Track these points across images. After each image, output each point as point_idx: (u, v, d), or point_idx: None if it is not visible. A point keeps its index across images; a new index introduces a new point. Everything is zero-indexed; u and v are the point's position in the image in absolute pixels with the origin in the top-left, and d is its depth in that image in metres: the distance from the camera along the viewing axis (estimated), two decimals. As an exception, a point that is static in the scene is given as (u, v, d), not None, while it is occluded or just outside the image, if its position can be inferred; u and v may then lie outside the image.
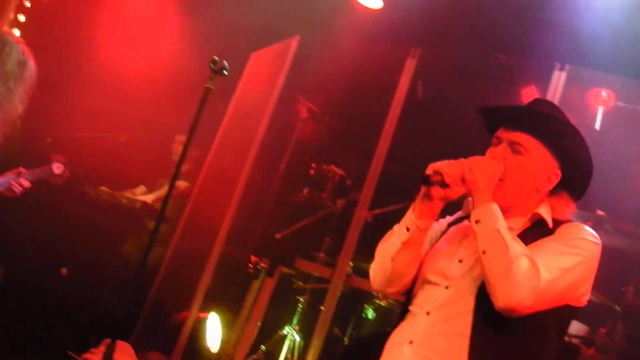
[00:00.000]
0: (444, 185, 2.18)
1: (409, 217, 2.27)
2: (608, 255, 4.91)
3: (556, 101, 4.07)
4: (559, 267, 2.07)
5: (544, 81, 4.51)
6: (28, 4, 6.12)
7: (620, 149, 4.92)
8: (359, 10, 5.54)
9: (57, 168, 4.86)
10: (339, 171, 5.60)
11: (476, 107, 2.39)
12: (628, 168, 5.06)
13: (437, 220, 2.38)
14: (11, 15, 5.90)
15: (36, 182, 4.64)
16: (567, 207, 2.32)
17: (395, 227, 2.33)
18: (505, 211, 2.18)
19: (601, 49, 4.63)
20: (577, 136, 2.25)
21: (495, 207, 2.14)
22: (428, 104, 5.57)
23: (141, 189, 6.44)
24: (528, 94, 5.60)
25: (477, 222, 2.14)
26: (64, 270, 5.80)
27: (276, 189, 6.41)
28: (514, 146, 2.25)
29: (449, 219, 2.49)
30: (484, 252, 2.08)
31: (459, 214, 2.47)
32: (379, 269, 2.37)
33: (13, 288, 5.28)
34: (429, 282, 2.30)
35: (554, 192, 2.30)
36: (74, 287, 5.64)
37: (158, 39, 6.34)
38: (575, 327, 4.62)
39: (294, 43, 5.09)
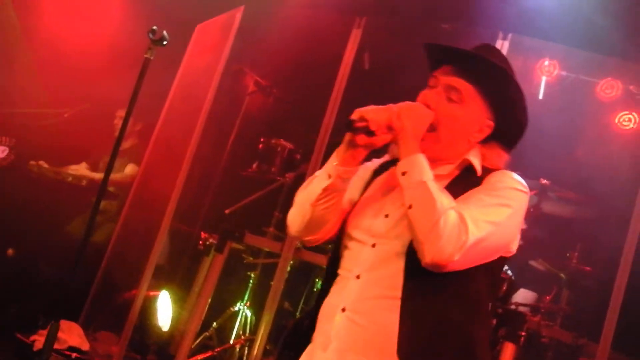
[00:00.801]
0: (369, 132, 2.03)
1: (331, 164, 2.12)
2: (553, 223, 5.08)
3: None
4: (488, 220, 1.97)
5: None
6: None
7: (563, 118, 4.99)
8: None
9: (2, 152, 4.68)
10: (288, 145, 5.56)
11: (425, 44, 2.24)
12: (570, 136, 5.14)
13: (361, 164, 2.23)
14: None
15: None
16: (499, 157, 2.21)
17: (317, 173, 2.20)
18: (434, 160, 2.09)
19: (545, 18, 4.66)
20: (519, 92, 2.16)
21: (422, 158, 2.03)
22: (374, 73, 5.56)
23: (83, 165, 6.32)
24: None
25: (403, 173, 2.02)
26: (10, 251, 5.70)
27: (225, 164, 6.37)
28: (450, 92, 2.13)
29: (374, 162, 2.35)
30: (410, 207, 1.97)
31: (385, 157, 2.34)
32: (297, 215, 2.22)
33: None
34: (354, 240, 2.16)
35: (485, 141, 2.19)
36: (21, 267, 5.55)
37: (99, 10, 6.20)
38: (522, 295, 4.71)
39: (238, 14, 5.02)
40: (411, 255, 1.98)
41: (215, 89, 5.16)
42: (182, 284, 5.89)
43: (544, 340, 4.32)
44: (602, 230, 4.71)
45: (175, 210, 5.17)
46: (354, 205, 2.24)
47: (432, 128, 2.10)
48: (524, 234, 5.10)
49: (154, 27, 3.36)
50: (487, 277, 2.08)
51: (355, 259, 2.12)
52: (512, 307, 4.40)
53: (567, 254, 4.68)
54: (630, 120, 5.41)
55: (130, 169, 6.11)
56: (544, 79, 5.32)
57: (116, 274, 5.63)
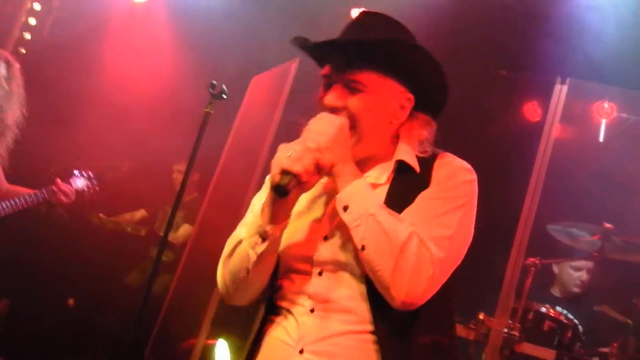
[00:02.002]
0: (300, 184, 1.76)
1: (261, 225, 1.83)
2: (618, 269, 4.96)
3: (558, 115, 4.06)
4: (447, 235, 1.77)
5: (546, 95, 4.49)
6: (28, 37, 6.15)
7: (625, 161, 4.91)
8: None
9: (80, 183, 4.57)
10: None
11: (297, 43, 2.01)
12: (633, 180, 5.05)
13: None
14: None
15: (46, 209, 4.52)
16: (425, 128, 1.98)
17: (241, 235, 1.91)
18: (364, 162, 1.89)
19: (602, 62, 4.63)
20: (416, 48, 1.91)
21: (361, 184, 1.79)
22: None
23: (141, 212, 6.42)
24: (531, 111, 5.60)
25: (344, 208, 1.76)
26: (70, 301, 5.78)
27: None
28: (350, 85, 1.88)
29: (263, 191, 2.07)
30: (363, 248, 1.71)
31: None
32: (231, 285, 1.95)
33: (18, 321, 5.26)
34: (295, 271, 1.89)
35: (409, 117, 1.97)
36: (82, 317, 5.62)
37: (156, 63, 6.36)
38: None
39: (294, 65, 5.07)
40: (371, 281, 1.75)
41: (271, 140, 5.20)
42: (240, 332, 5.87)
43: (612, 389, 4.19)
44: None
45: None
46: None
47: (351, 127, 1.86)
48: (589, 280, 5.03)
49: (214, 82, 3.44)
50: (450, 286, 1.85)
51: (301, 291, 1.86)
52: (585, 357, 4.30)
53: (634, 301, 4.55)
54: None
55: (184, 230, 6.16)
56: (603, 121, 5.27)
57: (175, 324, 5.65)
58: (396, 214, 1.77)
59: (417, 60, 1.91)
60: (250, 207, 2.07)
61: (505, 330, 4.12)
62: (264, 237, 1.82)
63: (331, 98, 1.88)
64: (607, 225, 4.56)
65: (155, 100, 6.14)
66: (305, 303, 1.83)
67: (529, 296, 4.45)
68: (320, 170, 1.77)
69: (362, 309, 1.77)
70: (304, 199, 1.95)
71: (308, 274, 1.85)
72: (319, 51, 1.98)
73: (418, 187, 1.86)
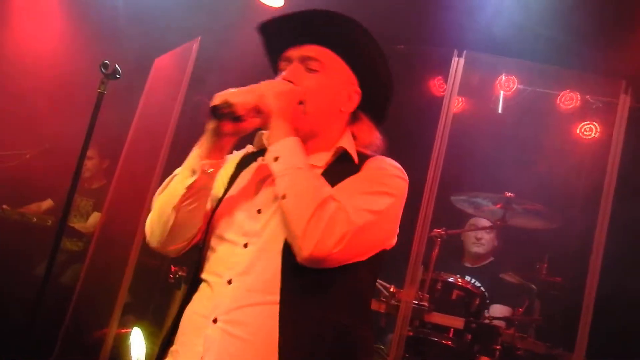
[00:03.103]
0: (236, 118, 1.80)
1: (194, 158, 1.86)
2: (520, 236, 5.12)
3: (456, 88, 4.13)
4: (369, 209, 1.80)
5: (447, 69, 4.57)
6: None
7: (522, 131, 5.05)
8: (261, 9, 5.51)
9: None
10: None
11: (258, 29, 2.07)
12: (532, 149, 5.20)
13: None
14: None
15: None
16: (370, 134, 2.04)
17: (177, 171, 1.93)
18: (308, 139, 1.91)
19: (499, 33, 4.72)
20: (376, 47, 1.99)
21: (296, 141, 1.81)
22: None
23: (48, 202, 6.24)
24: (436, 86, 5.69)
25: (275, 159, 1.79)
26: (-25, 297, 5.59)
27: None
28: (307, 63, 1.95)
29: (236, 155, 2.10)
30: (284, 197, 1.74)
31: (248, 148, 2.11)
32: (157, 223, 1.91)
33: None
34: (224, 241, 1.90)
35: (354, 118, 2.04)
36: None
37: (49, 50, 6.15)
38: (496, 309, 4.72)
39: (195, 44, 5.01)
40: (287, 253, 1.77)
41: (176, 121, 5.13)
42: (154, 320, 5.81)
43: (519, 353, 4.33)
44: (569, 240, 4.77)
45: (142, 245, 5.11)
46: (218, 202, 1.98)
47: (301, 103, 1.91)
48: (495, 248, 5.20)
49: (106, 62, 3.35)
50: (369, 274, 1.92)
51: (225, 262, 1.86)
52: (486, 321, 4.41)
53: (537, 266, 4.70)
54: (591, 130, 5.52)
55: (94, 218, 6.03)
56: (502, 93, 5.39)
57: (86, 314, 5.53)
58: (322, 177, 1.82)
59: (374, 56, 2.00)
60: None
61: (415, 301, 4.20)
62: (194, 170, 1.85)
63: (288, 73, 1.94)
64: (508, 194, 4.69)
65: (50, 84, 5.94)
66: (224, 274, 1.84)
67: (441, 268, 4.56)
68: (258, 113, 1.82)
69: (276, 282, 1.78)
70: (242, 177, 2.00)
71: (234, 245, 1.87)
72: (276, 34, 2.03)
73: (351, 174, 1.90)
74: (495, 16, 4.78)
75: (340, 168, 1.92)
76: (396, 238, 1.99)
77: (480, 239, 5.25)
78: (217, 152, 1.87)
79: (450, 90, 4.12)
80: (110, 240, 5.53)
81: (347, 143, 1.98)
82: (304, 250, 1.71)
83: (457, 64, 4.10)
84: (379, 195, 1.85)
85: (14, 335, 4.96)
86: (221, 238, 1.91)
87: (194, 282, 1.95)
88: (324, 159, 1.95)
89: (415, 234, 4.04)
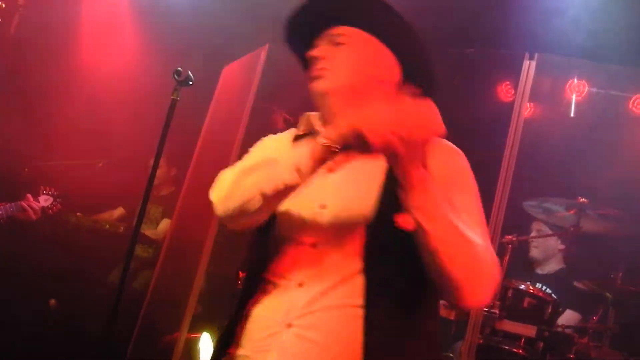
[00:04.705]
0: (364, 149, 1.56)
1: (305, 158, 1.68)
2: (594, 242, 4.99)
3: (527, 91, 4.06)
4: (486, 232, 1.77)
5: (517, 73, 4.50)
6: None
7: (596, 135, 4.93)
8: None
9: (45, 200, 4.76)
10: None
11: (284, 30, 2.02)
12: (605, 153, 5.08)
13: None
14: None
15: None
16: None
17: (280, 160, 1.74)
18: (346, 101, 1.83)
19: (569, 35, 4.63)
20: (401, 18, 1.95)
21: (435, 185, 1.62)
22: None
23: (119, 210, 6.38)
24: (504, 91, 5.61)
25: (416, 208, 1.60)
26: (52, 302, 5.74)
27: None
28: (334, 39, 1.91)
29: (283, 135, 2.04)
30: (437, 251, 1.60)
31: (293, 131, 2.03)
32: (237, 198, 1.76)
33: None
34: (289, 239, 1.81)
35: (402, 91, 1.92)
36: (64, 318, 5.58)
37: (123, 62, 6.31)
38: (568, 316, 4.62)
39: (263, 52, 5.05)
40: (369, 256, 1.71)
41: (244, 129, 5.18)
42: (224, 325, 5.87)
43: (593, 362, 4.23)
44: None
45: (211, 252, 5.17)
46: None
47: (329, 70, 1.86)
48: (565, 255, 5.08)
49: (179, 68, 3.39)
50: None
51: (292, 263, 1.79)
52: (559, 329, 4.32)
53: (611, 275, 4.58)
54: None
55: (164, 224, 6.13)
56: (573, 97, 5.28)
57: (157, 319, 5.63)
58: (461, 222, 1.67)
59: (405, 32, 1.94)
60: (260, 145, 2.05)
61: (486, 308, 4.14)
62: (300, 170, 1.68)
63: (316, 50, 1.89)
64: (582, 199, 4.59)
65: (122, 95, 6.09)
66: (294, 276, 1.77)
67: (513, 275, 4.48)
68: (387, 146, 1.54)
69: (355, 284, 1.71)
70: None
71: (302, 245, 1.79)
72: (300, 34, 1.98)
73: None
74: (566, 18, 4.69)
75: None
76: None
77: (531, 242, 5.11)
78: (316, 167, 1.70)
79: (522, 94, 4.05)
80: (180, 247, 5.62)
81: None
82: (467, 302, 1.67)
83: (529, 67, 4.03)
84: (480, 206, 1.82)
85: (89, 340, 5.09)
86: (285, 236, 1.83)
87: (254, 282, 1.86)
88: None
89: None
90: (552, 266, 5.17)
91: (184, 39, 5.93)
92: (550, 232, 4.96)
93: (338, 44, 1.90)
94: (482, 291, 1.66)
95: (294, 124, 6.28)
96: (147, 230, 6.00)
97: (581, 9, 4.69)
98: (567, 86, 5.38)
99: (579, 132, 5.07)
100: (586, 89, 5.40)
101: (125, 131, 6.01)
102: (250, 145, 5.45)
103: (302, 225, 1.80)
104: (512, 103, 4.20)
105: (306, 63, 1.98)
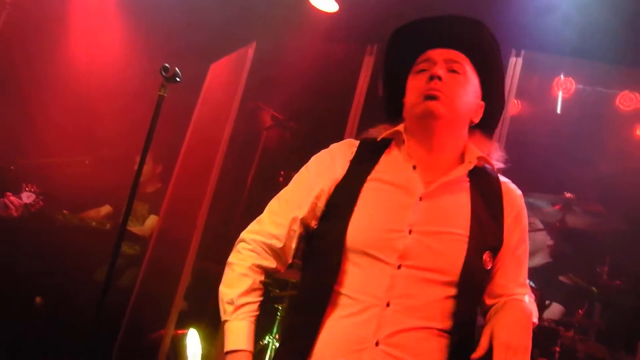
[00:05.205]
0: None
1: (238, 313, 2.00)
2: (580, 237, 5.02)
3: (514, 87, 4.09)
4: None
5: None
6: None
7: (582, 131, 4.96)
8: (315, 14, 5.53)
9: (27, 197, 4.77)
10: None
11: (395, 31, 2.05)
12: (590, 148, 5.11)
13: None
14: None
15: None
16: (490, 145, 2.00)
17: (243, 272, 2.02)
18: (449, 130, 1.90)
19: (556, 32, 4.65)
20: (502, 64, 2.03)
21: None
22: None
23: (106, 208, 6.36)
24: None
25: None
26: (38, 300, 5.72)
27: (246, 199, 6.37)
28: (451, 65, 1.92)
29: (349, 145, 2.02)
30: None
31: (353, 143, 2.02)
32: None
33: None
34: (371, 257, 1.81)
35: (470, 132, 1.99)
36: (50, 315, 5.56)
37: (111, 58, 6.28)
38: (554, 310, 4.65)
39: (250, 50, 5.05)
40: (464, 287, 1.80)
41: (231, 126, 5.18)
42: (211, 322, 5.86)
43: (579, 355, 4.25)
44: (630, 242, 4.66)
45: (198, 248, 5.17)
46: (351, 208, 1.86)
47: (444, 94, 1.89)
48: (552, 250, 5.11)
49: (166, 65, 3.37)
50: None
51: (376, 282, 1.79)
52: (545, 323, 4.34)
53: (597, 269, 4.61)
54: (653, 131, 5.41)
55: (150, 221, 6.10)
56: (560, 94, 5.30)
57: (144, 316, 5.62)
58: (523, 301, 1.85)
59: (501, 75, 2.03)
60: (304, 173, 2.03)
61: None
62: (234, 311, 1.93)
63: (436, 69, 1.89)
64: (568, 195, 4.62)
65: (109, 92, 6.05)
66: (380, 295, 1.78)
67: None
68: None
69: (442, 308, 1.78)
70: (377, 182, 1.90)
71: (385, 264, 1.80)
72: (417, 37, 1.99)
73: (492, 199, 1.92)
74: (552, 14, 4.71)
75: (480, 184, 1.93)
76: None
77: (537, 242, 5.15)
78: None
79: (509, 91, 4.07)
80: (167, 244, 5.61)
81: (481, 153, 1.94)
82: None
83: (515, 64, 4.05)
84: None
85: (76, 338, 5.07)
86: (366, 254, 1.81)
87: (323, 293, 1.84)
88: (463, 166, 1.92)
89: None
90: (538, 260, 5.20)
91: (172, 36, 5.91)
92: (541, 226, 4.98)
93: (454, 71, 1.92)
94: None
95: (281, 122, 6.27)
96: (134, 227, 5.98)
97: (568, 6, 4.69)
98: (554, 83, 5.40)
99: (566, 129, 5.09)
100: (573, 86, 5.43)
101: (113, 128, 5.99)
102: (237, 142, 5.40)
103: (388, 246, 1.80)
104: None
105: (397, 66, 2.03)
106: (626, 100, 5.38)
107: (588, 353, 4.30)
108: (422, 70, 1.94)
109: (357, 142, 2.02)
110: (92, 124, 6.03)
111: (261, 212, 2.04)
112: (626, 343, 4.15)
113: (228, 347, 1.92)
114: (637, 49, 4.64)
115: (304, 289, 1.95)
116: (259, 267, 1.97)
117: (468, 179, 1.92)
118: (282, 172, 5.65)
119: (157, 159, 6.19)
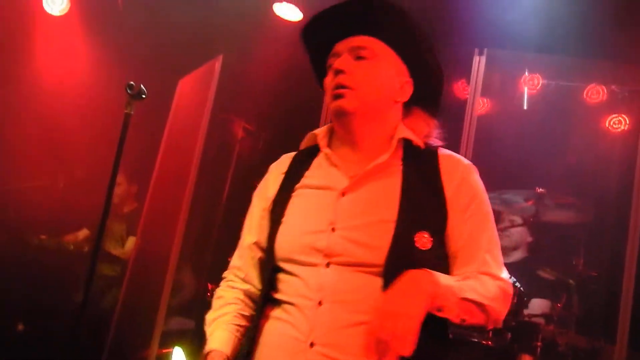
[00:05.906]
0: None
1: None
2: (554, 231, 5.07)
3: (480, 85, 4.11)
4: (499, 251, 1.86)
5: (468, 69, 4.54)
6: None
7: (550, 126, 5.01)
8: (280, 23, 5.54)
9: None
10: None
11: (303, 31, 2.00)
12: (559, 142, 5.16)
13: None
14: None
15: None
16: (428, 124, 1.95)
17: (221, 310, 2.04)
18: (364, 131, 1.87)
19: (518, 28, 4.69)
20: (425, 36, 1.93)
21: (446, 283, 1.70)
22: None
23: (84, 232, 6.31)
24: (460, 89, 5.67)
25: (438, 309, 1.67)
26: (20, 327, 5.67)
27: (223, 212, 6.37)
28: (356, 52, 1.88)
29: (283, 161, 2.04)
30: (463, 321, 1.72)
31: (285, 158, 2.06)
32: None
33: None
34: (300, 262, 1.81)
35: (407, 111, 1.96)
36: (32, 342, 5.51)
37: (76, 79, 6.24)
38: (536, 304, 4.68)
39: (217, 63, 5.06)
40: (389, 275, 1.70)
41: (203, 140, 5.18)
42: (195, 338, 5.84)
43: (560, 349, 4.29)
44: (603, 232, 4.72)
45: (177, 265, 5.16)
46: (278, 221, 1.89)
47: (351, 88, 1.84)
48: (529, 245, 5.14)
49: (131, 82, 3.36)
50: None
51: (308, 283, 1.78)
52: (525, 319, 4.38)
53: (573, 261, 4.66)
54: (620, 122, 5.49)
55: (130, 243, 6.07)
56: (526, 90, 5.36)
57: (127, 336, 5.59)
58: (471, 278, 1.77)
59: (425, 48, 1.93)
60: (253, 200, 2.07)
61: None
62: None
63: (338, 62, 1.86)
64: (540, 189, 4.66)
65: (76, 111, 6.00)
66: (312, 296, 1.76)
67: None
68: None
69: (371, 300, 1.70)
70: (301, 189, 1.91)
71: (313, 265, 1.79)
72: (321, 33, 1.95)
73: (428, 176, 1.84)
74: (514, 11, 4.76)
75: (414, 165, 1.86)
76: None
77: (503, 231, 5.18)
78: None
79: (474, 90, 4.10)
80: (146, 263, 5.59)
81: (408, 134, 1.90)
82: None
83: (479, 62, 4.08)
84: (493, 227, 1.89)
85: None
86: (293, 260, 1.83)
87: (263, 302, 1.88)
88: (387, 152, 1.87)
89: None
90: (517, 255, 5.25)
91: (139, 53, 5.90)
92: (521, 222, 5.02)
93: (360, 57, 1.88)
94: (499, 319, 1.79)
95: (253, 133, 6.28)
96: (115, 250, 5.94)
97: (528, 2, 4.75)
98: (521, 80, 5.46)
99: (534, 125, 5.14)
100: (540, 82, 5.49)
101: (83, 149, 5.95)
102: (209, 156, 5.38)
103: (313, 248, 1.80)
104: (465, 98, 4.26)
105: (318, 65, 2.00)
106: (593, 94, 5.46)
107: (569, 345, 4.33)
108: (330, 66, 1.91)
109: (293, 155, 2.04)
110: (62, 145, 5.99)
111: (238, 225, 2.10)
112: (605, 332, 4.19)
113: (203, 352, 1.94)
114: (602, 42, 4.70)
115: (257, 300, 1.98)
116: (233, 287, 2.04)
117: (401, 163, 1.87)
118: (256, 184, 5.65)
119: (131, 179, 6.16)
